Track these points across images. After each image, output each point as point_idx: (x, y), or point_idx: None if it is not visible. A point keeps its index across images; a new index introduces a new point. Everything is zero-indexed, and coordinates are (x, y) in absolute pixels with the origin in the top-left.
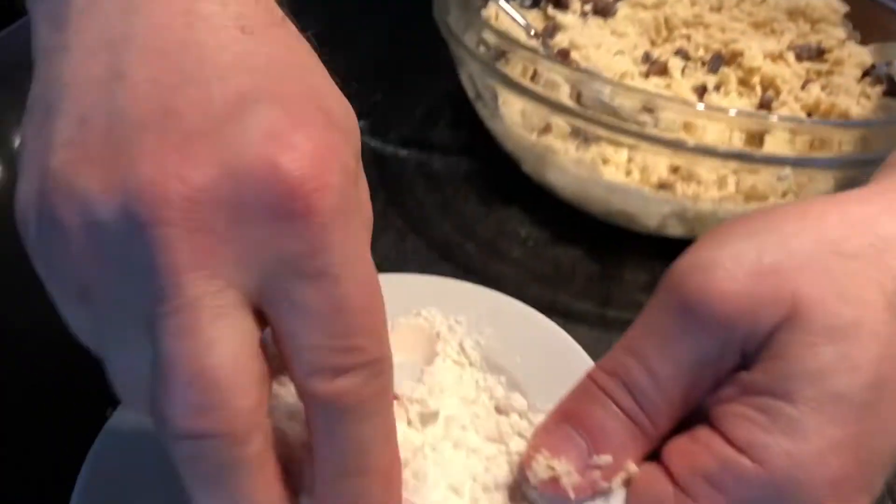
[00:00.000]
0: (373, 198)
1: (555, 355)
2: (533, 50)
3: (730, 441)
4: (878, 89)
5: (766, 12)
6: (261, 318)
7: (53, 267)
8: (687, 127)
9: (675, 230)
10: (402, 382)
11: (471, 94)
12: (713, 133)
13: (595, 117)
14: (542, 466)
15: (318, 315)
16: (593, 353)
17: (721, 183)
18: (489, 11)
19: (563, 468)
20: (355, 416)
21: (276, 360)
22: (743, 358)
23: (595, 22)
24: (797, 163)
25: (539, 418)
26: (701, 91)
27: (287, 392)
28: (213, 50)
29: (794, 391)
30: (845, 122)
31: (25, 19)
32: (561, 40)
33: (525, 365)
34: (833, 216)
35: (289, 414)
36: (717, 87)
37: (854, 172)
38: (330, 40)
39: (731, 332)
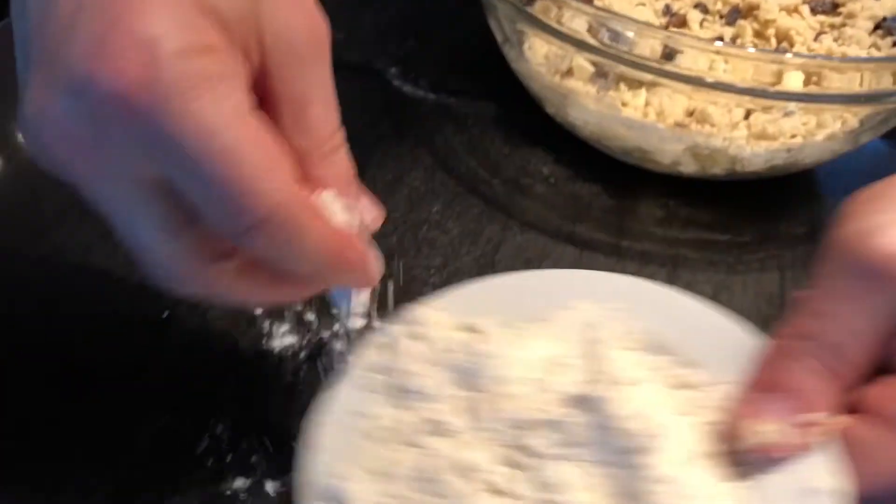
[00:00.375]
0: (404, 137)
1: (715, 332)
2: None
3: None
4: (889, 41)
5: None
6: None
7: (52, 153)
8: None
9: (687, 168)
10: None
11: (499, 38)
12: (729, 76)
13: (617, 54)
14: (750, 432)
15: (196, 195)
16: None
17: (734, 126)
18: None
19: (772, 429)
20: (271, 254)
21: None
22: None
23: None
24: (807, 98)
25: (721, 391)
26: None
27: None
28: None
29: None
30: (854, 58)
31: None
32: None
33: (690, 344)
34: None
35: None
36: (734, 39)
37: (860, 112)
38: None
39: None
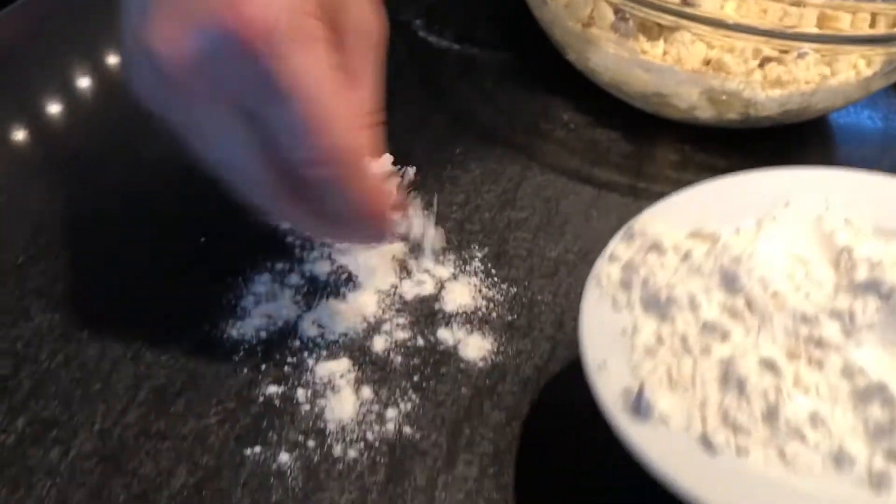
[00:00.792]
0: (429, 85)
1: None
2: None
3: None
4: None
5: None
6: None
7: (159, 92)
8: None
9: (704, 113)
10: None
11: None
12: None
13: None
14: None
15: (282, 125)
16: (623, 218)
17: (749, 73)
18: None
19: None
20: (323, 186)
21: None
22: None
23: None
24: (824, 39)
25: None
26: None
27: None
28: None
29: None
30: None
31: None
32: None
33: None
34: None
35: None
36: None
37: (874, 59)
38: None
39: None
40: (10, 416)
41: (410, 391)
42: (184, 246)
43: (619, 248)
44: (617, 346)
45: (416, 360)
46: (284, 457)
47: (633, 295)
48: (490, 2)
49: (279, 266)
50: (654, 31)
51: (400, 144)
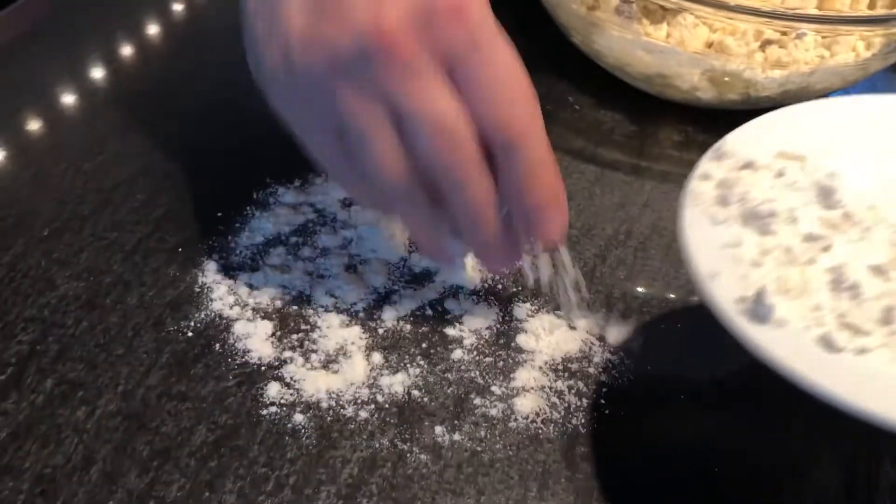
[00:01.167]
0: None
1: None
2: None
3: None
4: None
5: None
6: None
7: (307, 106)
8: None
9: (705, 94)
10: None
11: None
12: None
13: None
14: None
15: (481, 87)
16: (626, 195)
17: (750, 56)
18: None
19: None
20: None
21: None
22: None
23: None
24: (824, 19)
25: None
26: None
27: None
28: None
29: None
30: None
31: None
32: None
33: None
34: None
35: None
36: None
37: (872, 42)
38: None
39: None
40: (40, 378)
41: (419, 357)
42: (197, 222)
43: (710, 167)
44: (722, 259)
45: (424, 328)
46: (299, 417)
47: (732, 210)
48: None
49: (293, 239)
50: (657, 15)
51: None
